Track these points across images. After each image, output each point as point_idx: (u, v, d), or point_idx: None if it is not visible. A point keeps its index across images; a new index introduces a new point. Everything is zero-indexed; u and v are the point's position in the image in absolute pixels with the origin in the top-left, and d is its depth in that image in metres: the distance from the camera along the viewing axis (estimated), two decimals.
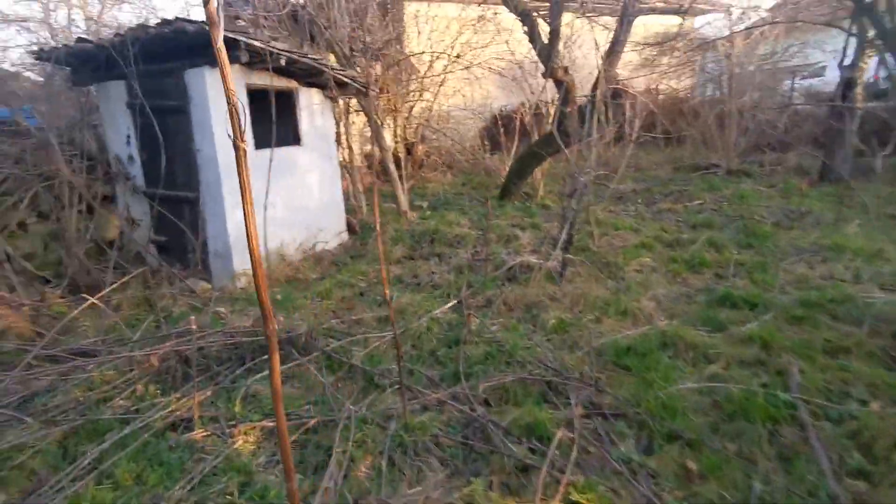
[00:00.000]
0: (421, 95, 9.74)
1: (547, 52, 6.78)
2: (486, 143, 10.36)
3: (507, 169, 8.39)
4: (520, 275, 4.70)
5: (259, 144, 5.13)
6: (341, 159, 7.02)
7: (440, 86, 9.70)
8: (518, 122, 8.77)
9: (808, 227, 5.93)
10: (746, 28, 9.67)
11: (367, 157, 9.67)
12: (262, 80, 5.05)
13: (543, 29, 6.98)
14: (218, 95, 4.80)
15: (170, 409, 2.87)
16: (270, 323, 1.08)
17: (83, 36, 5.36)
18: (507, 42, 8.63)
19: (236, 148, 1.02)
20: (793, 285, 4.27)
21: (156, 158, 5.08)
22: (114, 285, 4.77)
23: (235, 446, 2.58)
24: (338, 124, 6.41)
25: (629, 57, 10.15)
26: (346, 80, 5.96)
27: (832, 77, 12.87)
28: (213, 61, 4.68)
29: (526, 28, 7.02)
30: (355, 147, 8.17)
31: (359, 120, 8.68)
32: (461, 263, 5.16)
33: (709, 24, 11.97)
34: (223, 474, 2.41)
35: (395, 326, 3.07)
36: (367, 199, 7.45)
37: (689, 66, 11.77)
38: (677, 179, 9.10)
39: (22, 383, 3.27)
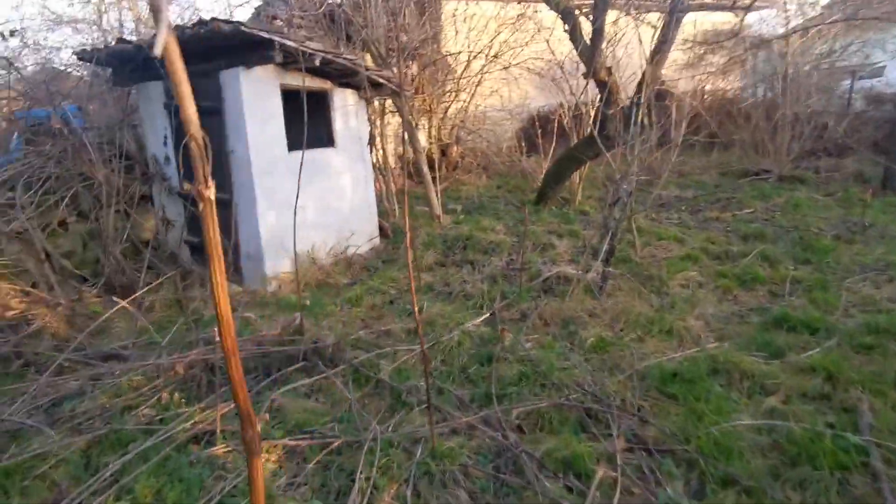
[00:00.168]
0: (457, 96, 9.58)
1: (589, 52, 6.51)
2: (522, 144, 10.11)
3: (544, 172, 8.15)
4: (556, 286, 4.49)
5: (292, 147, 5.07)
6: (375, 161, 6.93)
7: (477, 86, 9.51)
8: (556, 124, 8.51)
9: (872, 241, 5.50)
10: (807, 27, 9.11)
11: (401, 158, 9.58)
12: (297, 80, 4.98)
13: (585, 27, 6.72)
14: (253, 97, 4.76)
15: (193, 420, 2.80)
16: (250, 428, 0.81)
17: (124, 37, 5.41)
18: (546, 41, 8.36)
19: (201, 198, 0.72)
20: (858, 307, 3.92)
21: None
22: (149, 286, 4.79)
23: None
24: (372, 125, 6.30)
25: (674, 56, 9.72)
26: (380, 80, 5.85)
27: (894, 77, 12.10)
28: (247, 62, 4.64)
29: (567, 27, 6.76)
30: (389, 148, 8.08)
31: (394, 121, 8.58)
32: (495, 272, 4.97)
33: (764, 22, 11.36)
34: (242, 496, 2.31)
35: (424, 342, 2.92)
36: (400, 201, 7.34)
37: (739, 66, 11.23)
38: (725, 186, 8.66)
39: (52, 386, 3.27)
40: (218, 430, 2.71)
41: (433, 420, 2.52)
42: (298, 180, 3.69)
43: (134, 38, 6.29)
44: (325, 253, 5.63)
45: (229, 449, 2.62)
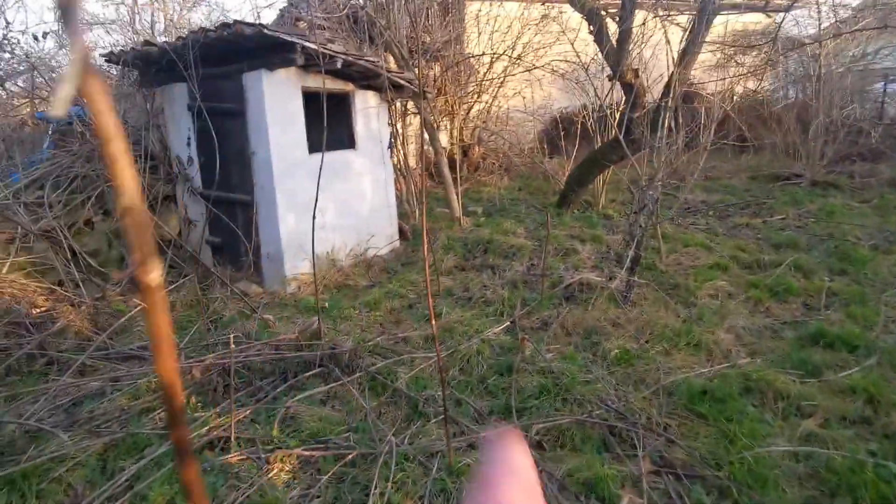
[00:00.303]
0: (479, 97, 9.49)
1: (615, 54, 6.36)
2: (544, 146, 9.97)
3: (567, 175, 8.00)
4: (579, 294, 4.38)
5: (313, 149, 5.06)
6: (395, 161, 6.88)
7: (499, 87, 9.41)
8: (579, 126, 8.36)
9: None
10: (841, 33, 8.79)
11: (420, 159, 9.53)
12: (319, 82, 4.96)
13: (611, 28, 6.56)
14: (275, 99, 4.75)
15: (208, 426, 2.78)
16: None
17: (150, 39, 5.46)
18: (571, 43, 8.21)
19: (140, 286, 0.48)
20: None
21: (213, 160, 5.10)
22: (172, 286, 4.82)
23: (270, 475, 2.44)
24: (393, 129, 6.26)
25: (702, 57, 9.47)
26: (402, 82, 5.80)
27: None
28: (270, 64, 4.63)
29: (592, 28, 6.62)
30: (411, 149, 8.03)
31: (416, 121, 8.54)
32: (516, 277, 4.88)
33: (796, 23, 11.01)
34: None
35: (441, 351, 2.84)
36: (421, 203, 7.28)
37: (770, 68, 10.91)
38: (755, 190, 8.40)
39: (74, 386, 3.29)
40: (232, 437, 2.68)
41: (450, 434, 2.44)
42: (318, 183, 3.65)
43: (163, 40, 6.36)
44: (345, 255, 5.60)
45: (244, 457, 2.59)
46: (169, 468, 2.48)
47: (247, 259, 5.15)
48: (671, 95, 5.83)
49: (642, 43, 7.32)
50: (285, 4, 10.62)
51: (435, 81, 8.57)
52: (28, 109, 7.56)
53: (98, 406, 3.08)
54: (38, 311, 4.25)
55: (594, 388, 2.94)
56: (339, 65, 4.77)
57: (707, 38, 6.54)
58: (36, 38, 6.63)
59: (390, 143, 6.07)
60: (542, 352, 3.41)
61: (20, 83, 7.41)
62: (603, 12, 6.71)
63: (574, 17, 7.58)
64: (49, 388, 3.13)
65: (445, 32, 8.96)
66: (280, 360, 3.36)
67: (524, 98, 10.12)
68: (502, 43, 9.10)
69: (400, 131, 7.12)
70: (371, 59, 5.19)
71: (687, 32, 6.20)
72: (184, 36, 4.72)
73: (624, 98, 6.86)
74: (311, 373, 3.23)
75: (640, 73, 6.52)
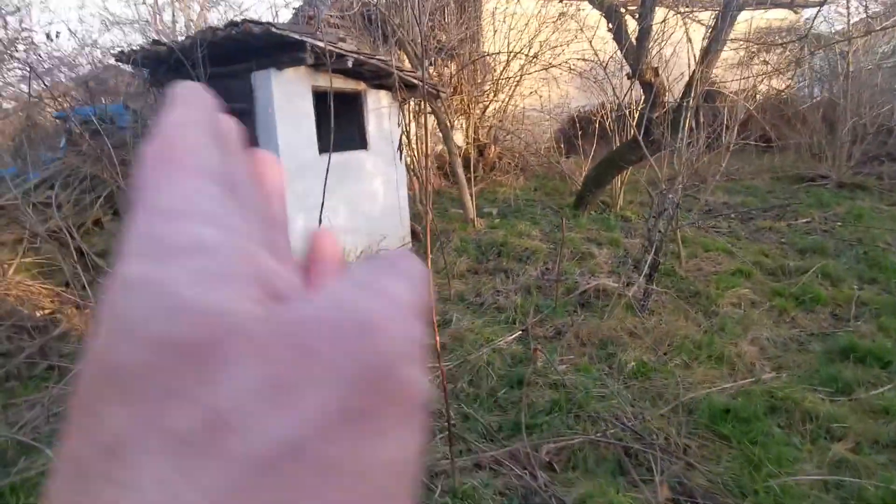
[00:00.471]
0: (495, 96, 9.34)
1: (635, 52, 6.17)
2: (561, 146, 9.78)
3: (584, 175, 7.82)
4: (595, 301, 4.22)
5: (324, 149, 4.96)
6: (409, 162, 6.77)
7: (516, 86, 9.24)
8: (597, 125, 8.16)
9: None
10: (884, 27, 8.45)
11: (438, 157, 9.40)
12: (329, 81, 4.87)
13: (631, 25, 6.37)
14: (284, 99, 4.67)
15: None
16: None
17: (157, 38, 5.42)
18: (589, 41, 8.02)
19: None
20: None
21: None
22: None
23: None
24: (403, 126, 6.14)
25: (724, 54, 9.19)
26: (414, 81, 5.68)
27: None
28: (279, 64, 4.55)
29: (611, 25, 6.44)
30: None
31: (430, 121, 8.42)
32: (529, 282, 4.73)
33: (824, 19, 10.65)
34: None
35: (448, 362, 2.73)
36: (434, 201, 7.17)
37: (797, 66, 10.58)
38: (778, 192, 8.13)
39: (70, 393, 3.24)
40: None
41: (454, 453, 2.32)
42: (324, 184, 3.55)
43: (181, 39, 6.32)
44: (356, 257, 5.51)
45: None
46: None
47: None
48: (692, 94, 5.64)
49: (662, 40, 7.11)
50: (301, 3, 10.58)
51: (450, 80, 8.45)
52: (48, 109, 7.61)
53: None
54: (42, 313, 4.22)
55: (609, 405, 2.80)
56: (349, 64, 4.67)
57: (730, 36, 6.32)
58: (49, 38, 6.61)
59: (399, 143, 5.96)
60: (554, 363, 3.27)
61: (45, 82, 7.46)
62: (622, 9, 6.53)
63: (592, 15, 7.39)
64: (45, 396, 3.07)
65: (461, 30, 8.82)
66: None
67: (541, 97, 9.95)
68: (519, 41, 8.94)
69: (414, 131, 7.00)
70: (382, 57, 5.08)
71: (710, 29, 5.99)
72: (192, 35, 4.65)
73: (643, 97, 6.67)
74: None
75: (660, 72, 6.33)
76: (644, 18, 5.97)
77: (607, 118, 7.97)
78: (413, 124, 7.07)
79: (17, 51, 6.52)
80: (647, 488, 2.22)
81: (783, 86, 11.17)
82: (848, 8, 9.67)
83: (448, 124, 7.04)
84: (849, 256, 5.18)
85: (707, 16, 6.76)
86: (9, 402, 3.03)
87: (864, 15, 9.81)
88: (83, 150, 5.39)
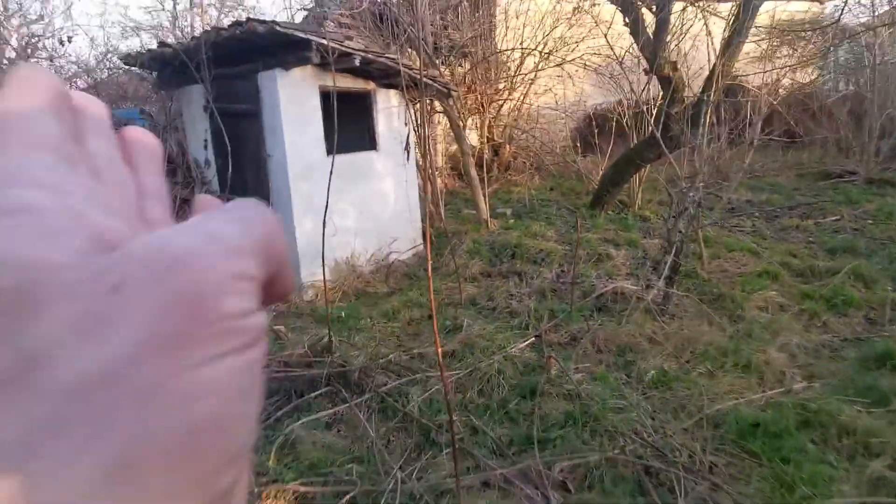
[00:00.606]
0: (510, 94, 9.17)
1: (652, 47, 5.96)
2: (577, 144, 9.57)
3: (601, 174, 7.62)
4: (612, 305, 4.05)
5: (332, 150, 4.86)
6: (420, 162, 6.65)
7: (531, 84, 9.07)
8: (614, 123, 7.95)
9: None
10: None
11: (452, 157, 9.27)
12: (338, 81, 4.76)
13: (648, 19, 6.16)
14: (290, 100, 4.58)
15: None
16: None
17: (164, 40, 5.37)
18: (605, 36, 7.81)
19: None
20: None
21: (228, 163, 4.97)
22: None
23: None
24: (411, 126, 6.02)
25: (746, 48, 8.88)
26: (426, 80, 5.55)
27: None
28: (285, 63, 4.46)
29: (627, 20, 6.24)
30: (439, 148, 7.79)
31: (444, 119, 8.29)
32: (544, 286, 4.57)
33: (849, 10, 10.26)
34: None
35: (458, 371, 2.59)
36: (446, 204, 7.04)
37: (821, 59, 10.22)
38: (804, 189, 7.83)
39: None
40: None
41: (460, 471, 2.18)
42: (328, 186, 3.44)
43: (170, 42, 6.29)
44: (366, 260, 5.40)
45: None
46: None
47: None
48: (713, 89, 5.42)
49: (681, 34, 6.88)
50: (312, 4, 10.54)
51: (464, 79, 8.31)
52: None
53: None
54: None
55: (628, 417, 2.63)
56: (356, 62, 4.55)
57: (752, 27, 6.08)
58: (62, 42, 6.63)
59: (407, 143, 5.84)
60: (569, 372, 3.11)
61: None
62: (639, 2, 6.32)
63: (607, 9, 7.19)
64: None
65: (474, 28, 8.68)
66: (287, 378, 3.16)
67: (556, 95, 9.76)
68: (533, 38, 8.76)
69: (426, 133, 6.88)
70: (391, 56, 4.96)
71: (731, 21, 5.76)
72: (197, 36, 4.59)
73: (661, 93, 6.45)
74: (317, 392, 3.02)
75: (678, 66, 6.11)
76: (661, 10, 5.77)
77: (624, 115, 7.76)
78: (422, 124, 6.95)
79: (39, 59, 6.56)
80: None
81: (808, 79, 10.82)
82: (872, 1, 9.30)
83: (460, 124, 6.90)
84: (881, 256, 4.92)
85: (727, 8, 6.52)
86: None
87: (889, 6, 9.43)
88: None
